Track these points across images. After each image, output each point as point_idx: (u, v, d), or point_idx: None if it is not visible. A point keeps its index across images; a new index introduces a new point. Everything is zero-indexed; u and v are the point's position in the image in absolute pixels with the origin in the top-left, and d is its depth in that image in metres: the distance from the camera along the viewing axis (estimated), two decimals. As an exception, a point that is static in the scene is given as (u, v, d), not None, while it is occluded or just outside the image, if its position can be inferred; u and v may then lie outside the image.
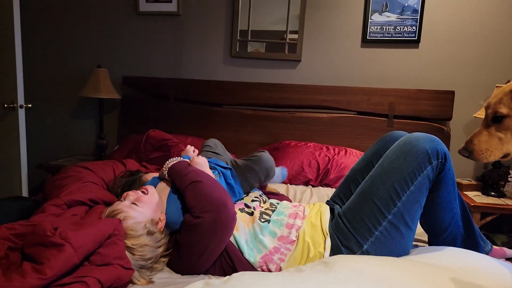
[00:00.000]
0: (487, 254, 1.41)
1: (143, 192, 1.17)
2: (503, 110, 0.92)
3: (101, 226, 0.92)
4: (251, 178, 1.53)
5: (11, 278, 0.74)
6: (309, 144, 2.44)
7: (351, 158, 2.31)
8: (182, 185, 1.23)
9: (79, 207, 1.15)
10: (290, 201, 1.63)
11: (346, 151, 2.38)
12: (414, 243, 1.47)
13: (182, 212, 1.21)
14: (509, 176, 2.40)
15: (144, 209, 1.12)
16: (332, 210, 1.37)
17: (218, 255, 1.18)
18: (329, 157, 2.28)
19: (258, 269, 1.19)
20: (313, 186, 2.22)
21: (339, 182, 2.19)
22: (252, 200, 1.39)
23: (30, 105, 2.55)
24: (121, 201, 1.13)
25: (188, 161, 1.40)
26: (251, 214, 1.28)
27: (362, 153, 2.42)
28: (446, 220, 1.26)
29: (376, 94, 2.55)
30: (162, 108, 2.79)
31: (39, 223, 0.90)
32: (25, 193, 2.57)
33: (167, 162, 1.36)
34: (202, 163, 1.39)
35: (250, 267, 1.19)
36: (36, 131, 3.02)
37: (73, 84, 2.96)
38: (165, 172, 1.32)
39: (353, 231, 1.20)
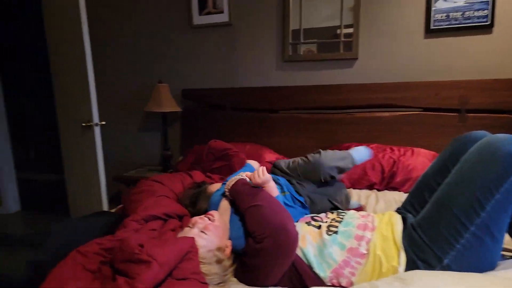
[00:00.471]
0: None
1: (209, 218, 1.20)
2: None
3: (180, 244, 0.99)
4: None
5: (108, 292, 0.82)
6: (371, 146, 2.35)
7: (419, 158, 2.18)
8: (242, 207, 1.24)
9: (155, 221, 1.23)
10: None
11: (412, 151, 2.25)
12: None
13: (245, 233, 1.22)
14: None
15: (212, 237, 1.15)
16: (404, 220, 1.29)
17: (284, 273, 1.17)
18: (394, 159, 2.17)
19: (328, 283, 1.17)
20: (378, 190, 2.13)
21: (406, 185, 2.09)
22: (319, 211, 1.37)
23: (104, 123, 2.79)
24: (190, 227, 1.17)
25: (248, 178, 1.38)
26: (319, 227, 1.26)
27: (431, 152, 2.28)
28: (538, 227, 1.13)
29: (445, 88, 2.37)
30: (219, 117, 2.88)
31: (125, 240, 0.98)
32: (104, 201, 2.81)
33: (229, 180, 1.38)
34: (265, 179, 1.39)
35: (319, 282, 1.17)
36: (109, 145, 3.29)
37: (138, 100, 3.18)
38: (227, 193, 1.35)
39: (430, 244, 1.12)
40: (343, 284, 1.15)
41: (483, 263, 1.09)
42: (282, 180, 1.54)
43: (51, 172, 5.15)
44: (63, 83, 3.05)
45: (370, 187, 2.16)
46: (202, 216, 1.20)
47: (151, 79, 3.11)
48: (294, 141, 2.68)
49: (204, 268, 1.05)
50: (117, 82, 3.23)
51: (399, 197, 1.98)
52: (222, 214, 1.30)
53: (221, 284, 1.10)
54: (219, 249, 1.15)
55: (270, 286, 1.18)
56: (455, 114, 2.36)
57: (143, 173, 2.92)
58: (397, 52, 2.50)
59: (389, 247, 1.17)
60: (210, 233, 1.14)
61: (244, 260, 1.18)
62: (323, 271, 1.17)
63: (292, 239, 1.12)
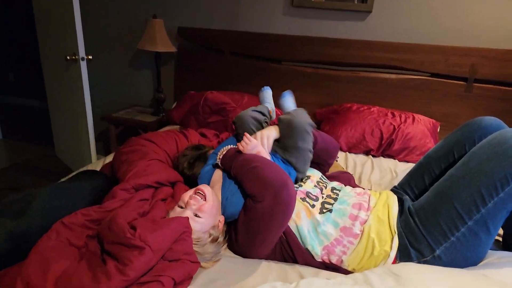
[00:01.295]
0: None
1: (199, 193, 1.14)
2: None
3: (174, 226, 0.94)
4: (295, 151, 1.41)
5: (98, 278, 0.79)
6: (372, 109, 2.27)
7: (419, 127, 2.12)
8: (238, 173, 1.20)
9: (146, 190, 1.18)
10: (354, 181, 1.55)
11: (414, 118, 2.18)
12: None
13: (238, 202, 1.19)
14: None
15: (206, 218, 1.11)
16: (400, 201, 1.27)
17: (277, 240, 1.17)
18: (394, 125, 2.12)
19: (319, 260, 1.17)
20: (374, 156, 2.11)
21: (402, 153, 2.06)
22: (314, 186, 1.33)
23: (91, 57, 2.59)
24: (182, 208, 1.12)
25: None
26: (313, 206, 1.23)
27: (432, 120, 2.22)
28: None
29: (456, 54, 2.24)
30: (217, 62, 2.70)
31: (114, 219, 0.94)
32: (92, 141, 2.73)
33: (221, 150, 1.32)
34: (253, 145, 1.32)
35: (310, 258, 1.18)
36: (97, 82, 3.11)
37: (130, 35, 2.93)
38: (219, 162, 1.29)
39: (426, 234, 1.11)
40: (333, 261, 1.16)
41: (473, 256, 1.10)
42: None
43: (33, 97, 4.92)
44: (44, 9, 2.76)
45: (367, 152, 2.13)
46: (193, 195, 1.13)
47: (145, 13, 2.84)
48: (295, 95, 2.55)
49: (198, 249, 1.03)
50: (107, 14, 2.94)
51: (394, 166, 1.97)
52: (214, 187, 1.25)
53: (213, 259, 1.09)
54: (213, 227, 1.12)
55: (263, 256, 1.18)
56: (462, 82, 2.26)
57: (133, 114, 2.80)
58: (414, 10, 2.29)
59: (383, 231, 1.17)
60: (205, 215, 1.10)
61: (238, 225, 1.15)
62: (315, 248, 1.17)
63: (292, 195, 1.10)
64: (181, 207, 1.11)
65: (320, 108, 2.52)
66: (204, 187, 1.16)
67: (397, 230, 1.16)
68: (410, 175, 1.40)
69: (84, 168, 1.68)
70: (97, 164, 1.76)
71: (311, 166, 1.51)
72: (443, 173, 1.26)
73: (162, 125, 2.67)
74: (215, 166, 1.33)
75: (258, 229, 1.11)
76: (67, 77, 2.71)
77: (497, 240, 1.34)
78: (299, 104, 2.55)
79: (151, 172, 1.23)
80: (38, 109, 4.78)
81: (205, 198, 1.13)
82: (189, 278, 0.95)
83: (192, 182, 1.38)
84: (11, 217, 0.93)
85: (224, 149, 1.31)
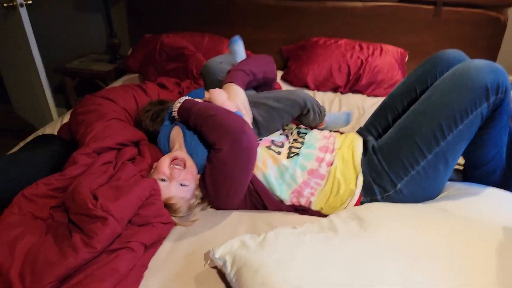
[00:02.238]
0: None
1: (178, 163, 1.11)
2: None
3: (138, 191, 0.92)
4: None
5: (65, 252, 0.78)
6: (339, 42, 2.20)
7: (387, 59, 2.10)
8: (196, 124, 1.17)
9: (108, 152, 1.13)
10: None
11: (381, 49, 2.15)
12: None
13: (203, 153, 1.17)
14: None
15: (191, 183, 1.10)
16: (365, 142, 1.30)
17: (246, 187, 1.17)
18: (362, 59, 2.08)
19: (289, 204, 1.21)
20: (342, 93, 2.10)
21: (370, 88, 2.06)
22: (280, 134, 1.32)
23: (31, 1, 2.31)
24: (164, 180, 1.08)
25: (197, 99, 1.29)
26: (279, 153, 1.23)
27: (399, 50, 2.20)
28: (489, 154, 1.19)
29: (424, -26, 2.13)
30: (173, 0, 2.47)
31: (77, 189, 0.90)
32: (49, 96, 2.56)
33: (175, 103, 1.26)
34: (218, 94, 1.28)
35: (280, 204, 1.21)
36: (42, 31, 2.80)
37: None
38: (176, 115, 1.24)
39: (388, 170, 1.15)
40: (302, 203, 1.20)
41: (432, 187, 1.17)
42: None
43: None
44: None
45: (335, 89, 2.11)
46: (172, 166, 1.09)
47: None
48: (259, 33, 2.43)
49: (188, 213, 1.05)
50: None
51: (362, 102, 1.98)
52: (175, 144, 1.22)
53: (192, 213, 1.10)
54: (196, 188, 1.12)
55: (235, 205, 1.19)
56: (431, 7, 2.19)
57: (88, 64, 2.61)
58: None
59: (348, 171, 1.20)
60: (190, 182, 1.09)
61: (205, 178, 1.15)
62: (284, 193, 1.20)
63: (251, 140, 1.09)
64: (163, 180, 1.08)
65: (286, 44, 2.42)
66: (179, 153, 1.13)
67: (361, 169, 1.20)
68: (374, 115, 1.40)
69: (42, 131, 1.59)
70: (57, 122, 1.66)
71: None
72: (406, 110, 1.27)
73: (120, 73, 2.50)
74: (171, 118, 1.28)
75: (223, 177, 1.11)
76: (8, 26, 2.43)
77: (457, 170, 1.41)
78: (263, 41, 2.45)
79: (111, 134, 1.17)
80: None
81: (185, 165, 1.11)
82: (159, 239, 0.96)
83: (155, 138, 1.33)
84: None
85: (179, 100, 1.25)
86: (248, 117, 1.28)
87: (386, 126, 1.35)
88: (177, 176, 1.06)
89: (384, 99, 1.39)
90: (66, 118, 1.68)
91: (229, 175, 1.10)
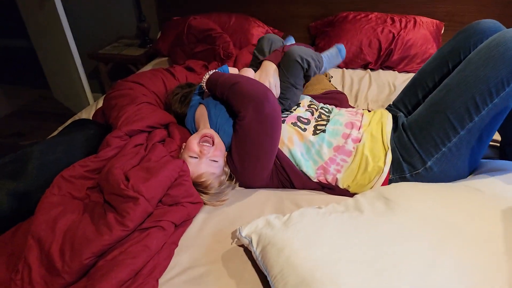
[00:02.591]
0: None
1: (207, 140, 1.13)
2: None
3: (167, 173, 0.96)
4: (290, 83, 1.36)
5: (101, 230, 0.84)
6: (370, 16, 2.11)
7: (421, 31, 1.99)
8: (223, 94, 1.19)
9: (139, 135, 1.18)
10: (347, 102, 1.52)
11: (415, 21, 2.04)
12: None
13: (229, 129, 1.19)
14: None
15: (221, 161, 1.13)
16: (395, 118, 1.26)
17: (273, 161, 1.18)
18: (393, 33, 1.99)
19: (315, 180, 1.21)
20: (372, 70, 2.02)
21: (402, 63, 1.98)
22: (306, 110, 1.31)
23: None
24: (195, 157, 1.10)
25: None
26: (304, 130, 1.23)
27: (435, 21, 2.08)
28: (527, 130, 1.12)
29: None
30: (199, -20, 2.45)
31: (110, 170, 0.96)
32: (84, 81, 2.68)
33: (205, 75, 1.30)
34: (245, 72, 1.30)
35: (307, 180, 1.21)
36: (75, 18, 2.90)
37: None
38: (205, 86, 1.27)
39: (418, 147, 1.11)
40: (329, 180, 1.20)
41: (464, 166, 1.11)
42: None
43: (15, 37, 4.65)
44: None
45: (365, 66, 2.04)
46: (201, 143, 1.12)
47: None
48: (286, 9, 2.38)
49: (218, 190, 1.08)
50: None
51: (393, 78, 1.91)
52: (200, 123, 1.25)
53: (224, 197, 1.13)
54: (225, 164, 1.15)
55: (263, 183, 1.21)
56: (470, -27, 2.04)
57: (120, 49, 2.68)
58: None
59: (377, 148, 1.17)
60: (220, 158, 1.12)
61: (233, 155, 1.16)
62: (310, 169, 1.20)
63: (274, 107, 1.10)
64: (194, 157, 1.11)
65: (313, 21, 2.35)
66: (207, 131, 1.15)
67: (390, 146, 1.16)
68: (404, 92, 1.35)
69: (79, 115, 1.67)
70: (93, 106, 1.75)
71: None
72: (438, 85, 1.22)
73: (151, 57, 2.56)
74: (201, 93, 1.31)
75: (249, 147, 1.12)
76: (44, 15, 2.54)
77: (495, 147, 1.34)
78: (290, 17, 2.39)
79: (142, 117, 1.22)
80: (23, 49, 4.57)
81: (213, 142, 1.13)
82: (189, 219, 1.00)
83: (184, 120, 1.37)
84: (10, 177, 0.96)
85: (208, 73, 1.28)
86: (275, 93, 1.29)
87: (416, 103, 1.30)
88: (206, 153, 1.09)
89: (414, 75, 1.34)
90: (101, 103, 1.76)
91: (255, 144, 1.11)
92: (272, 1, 2.37)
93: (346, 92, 1.83)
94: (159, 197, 0.94)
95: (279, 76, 1.36)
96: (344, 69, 2.05)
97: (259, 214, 1.07)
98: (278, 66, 1.37)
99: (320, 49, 2.13)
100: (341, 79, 1.96)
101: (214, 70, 1.31)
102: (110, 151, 1.10)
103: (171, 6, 2.59)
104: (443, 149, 1.08)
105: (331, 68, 1.55)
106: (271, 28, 2.37)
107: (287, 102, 1.34)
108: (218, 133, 1.19)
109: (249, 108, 1.08)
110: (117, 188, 0.90)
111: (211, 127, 1.20)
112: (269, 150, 1.13)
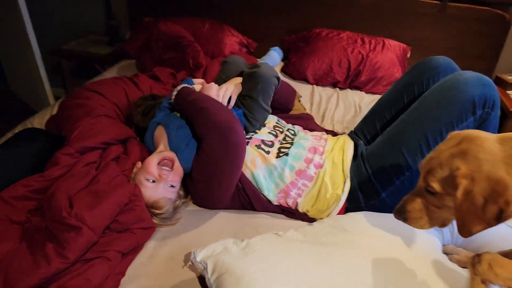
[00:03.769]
0: None
1: (167, 164, 1.10)
2: (435, 186, 0.70)
3: (116, 198, 0.91)
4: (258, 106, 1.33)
5: (38, 262, 0.78)
6: (342, 35, 2.13)
7: (388, 54, 2.04)
8: (188, 113, 1.17)
9: (92, 152, 1.11)
10: (314, 123, 1.52)
11: (383, 44, 2.08)
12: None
13: (190, 154, 1.15)
14: None
15: (178, 186, 1.11)
16: (356, 146, 1.28)
17: (235, 185, 1.17)
18: (363, 54, 2.02)
19: (276, 204, 1.20)
20: (340, 88, 2.05)
21: (370, 84, 2.02)
22: (269, 133, 1.30)
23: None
24: (152, 182, 1.06)
25: (194, 86, 1.30)
26: (268, 152, 1.22)
27: (402, 45, 2.14)
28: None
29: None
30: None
31: (54, 195, 0.89)
32: (44, 76, 2.52)
33: (174, 90, 1.26)
34: (209, 87, 1.27)
35: (267, 203, 1.20)
36: (37, 8, 2.74)
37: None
38: (173, 101, 1.24)
39: (374, 179, 1.15)
40: (290, 204, 1.20)
41: None
42: None
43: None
44: None
45: (334, 84, 2.06)
46: (161, 167, 1.08)
47: None
48: (261, 20, 2.36)
49: (166, 213, 1.05)
50: None
51: (360, 99, 1.94)
52: (159, 143, 1.21)
53: (172, 215, 1.10)
54: (180, 188, 1.12)
55: (222, 206, 1.19)
56: (436, 2, 2.11)
57: (86, 45, 2.56)
58: None
59: (337, 175, 1.19)
60: (178, 183, 1.09)
61: (193, 175, 1.14)
62: (272, 192, 1.19)
63: (240, 137, 1.09)
64: (152, 181, 1.06)
65: (288, 34, 2.35)
66: (167, 154, 1.11)
67: (350, 174, 1.19)
68: (364, 120, 1.39)
69: (31, 123, 1.56)
70: (54, 107, 1.63)
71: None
72: (394, 117, 1.26)
73: (118, 58, 2.46)
74: (167, 107, 1.28)
75: (213, 173, 1.10)
76: (4, 11, 2.38)
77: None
78: (265, 29, 2.37)
79: (97, 132, 1.15)
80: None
81: (173, 166, 1.10)
82: (139, 246, 0.96)
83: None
84: None
85: (177, 88, 1.25)
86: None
87: (374, 133, 1.34)
88: (165, 178, 1.06)
89: (373, 106, 1.38)
90: (55, 110, 1.66)
91: (218, 170, 1.09)
92: (247, 10, 2.35)
93: (314, 111, 1.84)
94: (105, 225, 0.89)
95: (249, 98, 1.32)
96: (314, 85, 2.06)
97: (217, 238, 1.04)
98: (247, 88, 1.34)
99: (292, 63, 2.14)
100: (310, 96, 1.97)
101: (182, 85, 1.28)
102: (58, 170, 1.02)
103: (143, 5, 2.50)
104: (397, 182, 1.12)
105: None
106: (246, 37, 2.34)
107: (257, 124, 1.31)
108: (177, 157, 1.15)
109: (215, 136, 1.07)
110: (59, 215, 0.84)
111: (171, 149, 1.16)
112: (232, 176, 1.12)
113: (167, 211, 1.06)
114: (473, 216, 0.64)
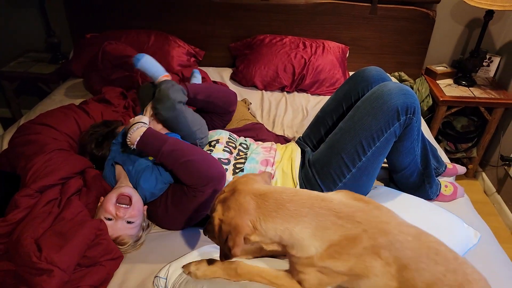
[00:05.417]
0: (439, 175, 1.57)
1: (123, 201, 1.12)
2: (213, 215, 0.87)
3: (83, 237, 0.95)
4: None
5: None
6: (284, 40, 2.25)
7: (329, 57, 2.19)
8: (168, 165, 1.17)
9: (51, 190, 1.14)
10: (265, 131, 1.63)
11: (323, 47, 2.23)
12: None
13: (157, 181, 1.20)
14: (484, 60, 2.38)
15: (139, 220, 1.13)
16: (303, 153, 1.41)
17: None
18: (305, 59, 2.15)
19: None
20: (288, 92, 2.17)
21: (314, 87, 2.16)
22: (223, 150, 1.38)
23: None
24: (110, 219, 1.09)
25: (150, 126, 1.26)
26: (226, 170, 1.31)
27: (340, 46, 2.30)
28: (406, 162, 1.36)
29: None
30: (113, -5, 2.36)
31: (20, 241, 0.92)
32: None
33: (129, 128, 1.22)
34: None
35: None
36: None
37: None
38: (133, 146, 1.19)
39: (320, 182, 1.29)
40: None
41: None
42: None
43: None
44: None
45: (282, 89, 2.18)
46: (117, 205, 1.10)
47: None
48: (206, 28, 2.41)
49: (135, 245, 1.10)
50: None
51: (306, 102, 2.08)
52: (120, 178, 1.25)
53: (139, 242, 1.16)
54: (143, 219, 1.16)
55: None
56: (368, 4, 2.29)
57: (28, 65, 2.46)
58: None
59: (287, 183, 1.33)
60: (137, 218, 1.12)
61: (169, 209, 1.20)
62: None
63: (225, 180, 1.20)
64: (109, 219, 1.09)
65: (233, 41, 2.43)
66: (123, 190, 1.13)
67: (299, 181, 1.32)
68: (310, 127, 1.52)
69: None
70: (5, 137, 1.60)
71: (215, 124, 1.54)
72: (336, 123, 1.40)
73: (62, 75, 2.40)
74: (122, 146, 1.28)
75: (196, 211, 1.18)
76: None
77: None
78: (210, 37, 2.43)
79: (53, 169, 1.17)
80: None
81: (131, 201, 1.12)
82: (109, 277, 1.02)
83: (102, 163, 1.34)
84: None
85: (134, 128, 1.19)
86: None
87: (319, 139, 1.48)
88: (122, 215, 1.09)
89: (318, 113, 1.51)
90: (6, 142, 1.62)
91: (202, 209, 1.19)
92: (191, 19, 2.38)
93: (264, 117, 1.95)
94: (75, 263, 0.94)
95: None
96: (263, 91, 2.17)
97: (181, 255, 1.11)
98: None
99: (240, 71, 2.22)
100: (260, 102, 2.07)
101: (142, 124, 1.21)
102: (19, 213, 1.04)
103: (83, 20, 2.44)
104: (340, 184, 1.28)
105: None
106: (192, 47, 2.39)
107: (200, 129, 1.38)
108: (136, 188, 1.20)
109: (209, 187, 1.14)
110: (28, 260, 0.88)
111: (131, 182, 1.20)
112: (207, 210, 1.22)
113: (130, 245, 1.12)
114: (222, 245, 0.85)
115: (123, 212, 1.09)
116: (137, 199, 1.15)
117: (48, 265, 0.88)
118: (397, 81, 1.94)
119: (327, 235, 0.79)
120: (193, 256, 1.06)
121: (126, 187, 1.16)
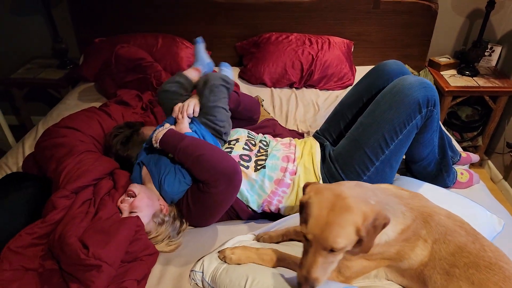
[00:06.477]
0: (454, 163, 1.62)
1: (129, 195, 1.17)
2: (340, 241, 0.75)
3: (126, 233, 0.99)
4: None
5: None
6: (290, 38, 2.29)
7: (335, 52, 2.23)
8: (184, 161, 1.20)
9: (86, 190, 1.17)
10: (279, 126, 1.67)
11: (329, 43, 2.27)
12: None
13: (180, 183, 1.24)
14: (486, 50, 2.44)
15: (143, 211, 1.14)
16: (322, 146, 1.44)
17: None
18: (312, 55, 2.19)
19: (260, 212, 1.35)
20: (297, 88, 2.22)
21: (322, 82, 2.20)
22: (243, 148, 1.42)
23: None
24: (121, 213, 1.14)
25: (174, 127, 1.33)
26: (247, 167, 1.35)
27: (345, 41, 2.34)
28: (425, 152, 1.40)
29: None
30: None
31: (65, 241, 0.95)
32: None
33: (155, 132, 1.28)
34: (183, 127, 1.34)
35: (253, 213, 1.35)
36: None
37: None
38: (158, 145, 1.24)
39: (344, 177, 1.33)
40: (273, 210, 1.35)
41: None
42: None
43: None
44: None
45: (291, 85, 2.22)
46: (124, 198, 1.17)
47: None
48: (211, 29, 2.44)
49: (152, 239, 1.12)
50: None
51: (316, 97, 2.12)
52: (146, 183, 1.28)
53: (174, 241, 1.19)
54: (155, 215, 1.17)
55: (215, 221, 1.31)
56: (370, -2, 2.33)
57: (36, 72, 2.48)
58: None
59: (310, 179, 1.36)
60: (139, 209, 1.14)
61: (192, 208, 1.23)
62: (256, 203, 1.33)
63: (240, 176, 1.21)
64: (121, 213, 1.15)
65: (239, 41, 2.46)
66: (131, 187, 1.19)
67: (321, 176, 1.35)
68: (328, 122, 1.55)
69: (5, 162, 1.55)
70: (18, 148, 1.63)
71: (238, 126, 1.57)
72: (355, 118, 1.43)
73: (71, 80, 2.42)
74: (150, 149, 1.31)
75: (214, 208, 1.22)
76: None
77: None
78: (216, 37, 2.46)
79: (85, 170, 1.20)
80: None
81: (135, 195, 1.17)
82: (149, 271, 1.06)
83: (128, 164, 1.38)
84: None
85: (158, 133, 1.26)
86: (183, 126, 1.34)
87: (339, 132, 1.51)
88: (124, 207, 1.14)
89: (336, 107, 1.54)
90: (27, 145, 1.65)
91: (220, 205, 1.22)
92: (196, 20, 2.41)
93: (277, 113, 1.99)
94: (121, 258, 0.98)
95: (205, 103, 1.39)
96: (272, 88, 2.21)
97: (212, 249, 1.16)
98: (200, 95, 1.41)
99: (248, 69, 2.26)
100: (271, 99, 2.11)
101: (167, 127, 1.29)
102: (57, 213, 1.07)
103: (90, 25, 2.46)
104: (364, 177, 1.31)
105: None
106: (199, 47, 2.41)
107: (224, 126, 1.41)
108: (162, 186, 1.23)
109: (221, 182, 1.15)
110: (77, 258, 0.91)
111: (154, 184, 1.24)
112: (228, 206, 1.26)
113: (156, 233, 1.15)
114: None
115: (125, 204, 1.15)
116: (142, 192, 1.18)
117: (96, 261, 0.91)
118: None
119: (398, 223, 0.82)
120: (227, 245, 1.10)
121: (133, 185, 1.20)
